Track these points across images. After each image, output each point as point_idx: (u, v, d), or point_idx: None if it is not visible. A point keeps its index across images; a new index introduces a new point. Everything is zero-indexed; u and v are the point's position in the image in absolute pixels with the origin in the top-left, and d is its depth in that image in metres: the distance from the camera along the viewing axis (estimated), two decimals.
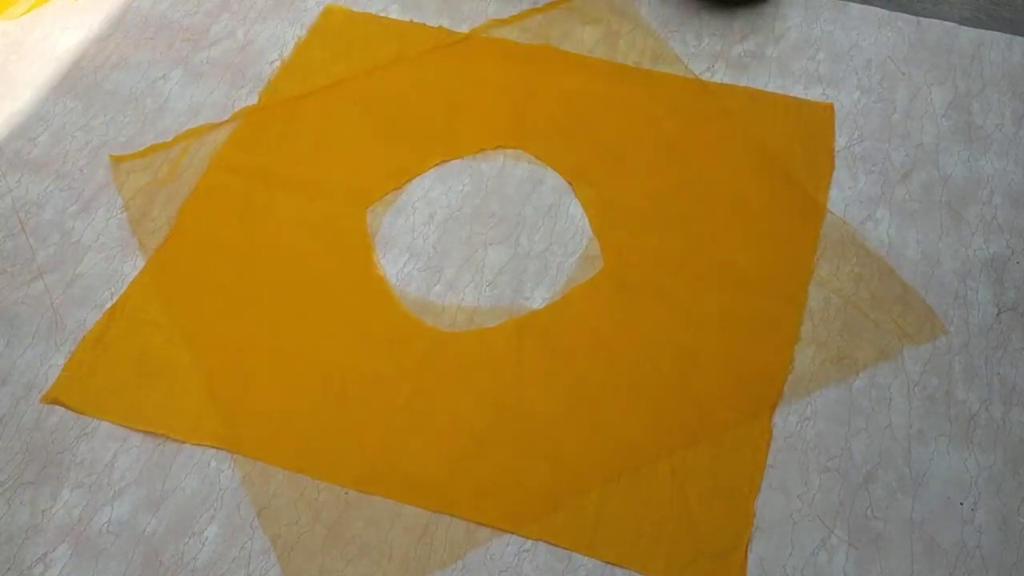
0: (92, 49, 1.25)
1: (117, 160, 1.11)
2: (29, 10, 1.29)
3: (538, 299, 0.99)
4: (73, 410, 0.91)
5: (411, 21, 1.27)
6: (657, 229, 1.04)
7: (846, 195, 1.07)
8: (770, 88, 1.18)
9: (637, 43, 1.24)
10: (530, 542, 0.82)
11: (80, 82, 1.21)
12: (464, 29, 1.26)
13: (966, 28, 1.26)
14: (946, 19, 1.27)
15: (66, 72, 1.22)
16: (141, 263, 1.02)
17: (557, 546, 0.82)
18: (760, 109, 1.15)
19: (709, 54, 1.22)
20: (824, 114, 1.14)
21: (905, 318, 0.97)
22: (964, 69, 1.21)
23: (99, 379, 0.93)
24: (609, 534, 0.83)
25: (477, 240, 1.04)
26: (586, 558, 0.82)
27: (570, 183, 1.09)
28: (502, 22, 1.26)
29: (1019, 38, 1.25)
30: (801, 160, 1.10)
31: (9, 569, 0.81)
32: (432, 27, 1.26)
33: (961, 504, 0.84)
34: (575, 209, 1.07)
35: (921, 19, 1.27)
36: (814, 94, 1.16)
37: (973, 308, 0.98)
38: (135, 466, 0.87)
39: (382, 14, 1.28)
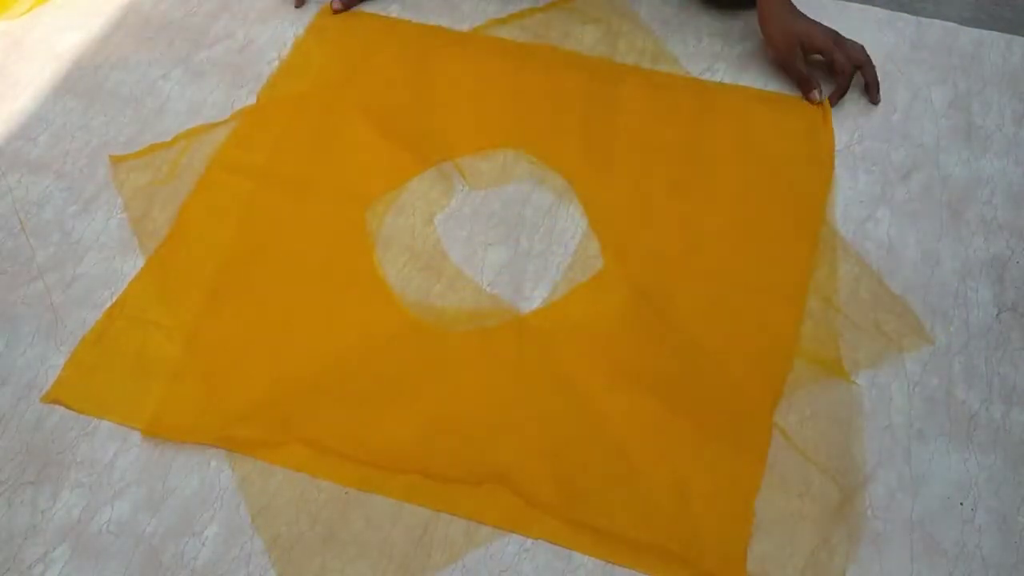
0: (92, 49, 1.25)
1: (117, 160, 1.11)
2: (29, 10, 1.29)
3: (538, 299, 0.99)
4: (73, 410, 0.91)
5: (411, 20, 1.27)
6: (657, 229, 1.04)
7: (846, 195, 1.07)
8: (770, 88, 1.18)
9: (637, 43, 1.24)
10: (530, 542, 0.82)
11: (80, 82, 1.21)
12: (464, 28, 1.26)
13: (966, 28, 1.26)
14: (946, 19, 1.27)
15: (66, 72, 1.22)
16: (141, 263, 1.02)
17: (557, 546, 0.82)
18: (760, 109, 1.15)
19: (709, 54, 1.22)
20: (824, 114, 1.14)
21: (904, 318, 0.97)
22: (964, 69, 1.21)
23: (99, 379, 0.93)
24: (609, 534, 0.83)
25: (477, 240, 1.04)
26: (586, 558, 0.81)
27: (570, 183, 1.09)
28: (502, 21, 1.27)
29: (1019, 38, 1.25)
30: (801, 160, 1.10)
31: (9, 569, 0.81)
32: (432, 26, 1.26)
33: (961, 504, 0.84)
34: (575, 209, 1.06)
35: (921, 19, 1.27)
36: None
37: (973, 308, 0.98)
38: (135, 466, 0.87)
39: (382, 13, 1.28)
